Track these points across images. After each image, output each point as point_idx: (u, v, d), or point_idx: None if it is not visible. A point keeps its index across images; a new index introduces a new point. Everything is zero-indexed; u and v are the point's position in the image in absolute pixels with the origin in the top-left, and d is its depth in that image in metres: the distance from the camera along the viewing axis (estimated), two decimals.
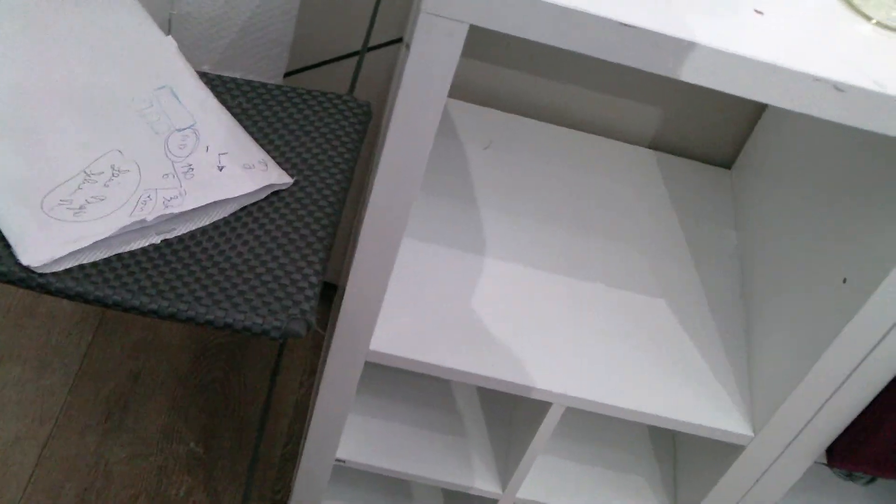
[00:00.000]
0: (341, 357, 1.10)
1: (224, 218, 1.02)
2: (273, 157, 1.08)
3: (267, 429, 1.60)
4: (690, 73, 0.82)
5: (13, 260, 0.92)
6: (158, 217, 0.98)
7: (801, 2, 0.88)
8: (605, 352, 1.17)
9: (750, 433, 1.14)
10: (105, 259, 0.95)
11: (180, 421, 1.57)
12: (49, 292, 0.93)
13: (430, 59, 0.84)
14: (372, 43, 1.36)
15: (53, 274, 0.93)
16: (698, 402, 1.15)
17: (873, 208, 1.02)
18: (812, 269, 1.10)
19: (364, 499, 1.47)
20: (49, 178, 0.98)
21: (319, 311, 0.95)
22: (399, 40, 1.35)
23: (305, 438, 1.24)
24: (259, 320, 0.95)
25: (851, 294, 1.00)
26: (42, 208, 0.95)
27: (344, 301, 1.05)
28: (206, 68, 1.29)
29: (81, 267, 0.94)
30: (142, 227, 0.97)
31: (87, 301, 0.93)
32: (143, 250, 0.97)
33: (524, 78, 1.38)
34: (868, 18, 0.87)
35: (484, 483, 1.28)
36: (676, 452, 1.36)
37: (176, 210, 0.98)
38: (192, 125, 1.06)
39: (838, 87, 0.81)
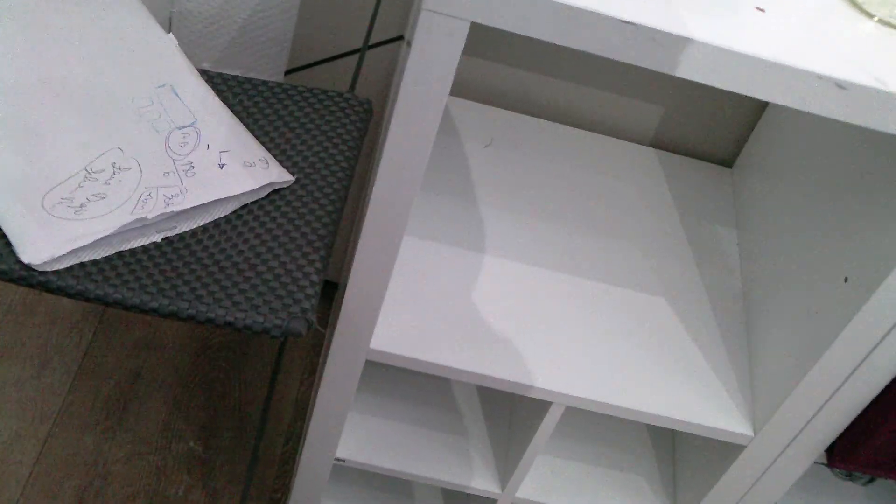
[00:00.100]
0: (342, 355, 1.10)
1: (225, 216, 1.02)
2: (274, 155, 1.08)
3: (267, 428, 1.60)
4: (692, 71, 0.82)
5: (14, 258, 0.92)
6: (159, 215, 0.97)
7: None
8: (606, 351, 1.17)
9: (750, 433, 1.14)
10: (106, 257, 0.95)
11: (180, 420, 1.57)
12: (49, 290, 0.93)
13: (431, 57, 0.83)
14: (373, 41, 1.36)
15: (54, 272, 0.93)
16: (698, 401, 1.15)
17: (875, 207, 1.01)
18: (813, 268, 1.10)
19: (363, 498, 1.47)
20: (50, 177, 0.98)
21: (320, 309, 0.95)
22: (400, 38, 1.35)
23: (305, 437, 1.24)
24: (260, 319, 0.94)
25: (853, 293, 0.99)
26: (43, 206, 0.95)
27: (345, 299, 1.04)
28: (206, 66, 1.29)
29: (82, 265, 0.94)
30: (142, 226, 0.97)
31: (87, 299, 0.93)
32: (144, 248, 0.97)
33: (525, 76, 1.38)
34: (870, 16, 0.87)
35: (483, 482, 1.27)
36: (676, 452, 1.36)
37: (177, 208, 0.98)
38: (193, 123, 1.06)
39: (840, 85, 0.81)
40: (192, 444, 1.55)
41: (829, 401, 1.06)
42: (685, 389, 1.16)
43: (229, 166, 1.03)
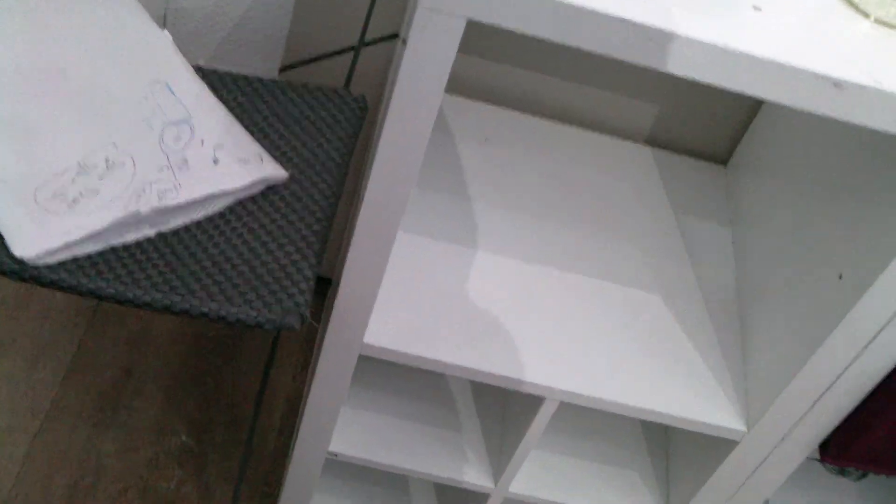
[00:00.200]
0: (335, 350, 1.10)
1: (219, 211, 1.02)
2: (268, 151, 1.08)
3: (259, 422, 1.60)
4: (688, 70, 0.82)
5: (6, 252, 0.91)
6: (153, 210, 0.97)
7: None
8: (600, 346, 1.17)
9: (743, 428, 1.14)
10: (99, 251, 0.95)
11: (172, 414, 1.57)
12: (42, 284, 0.92)
13: (427, 54, 0.83)
14: (368, 38, 1.36)
15: (47, 266, 0.92)
16: (692, 397, 1.15)
17: (869, 205, 1.02)
18: (807, 266, 1.10)
19: (355, 492, 1.47)
20: (43, 171, 0.97)
21: (312, 305, 0.95)
22: (395, 36, 1.35)
23: (298, 431, 1.24)
24: (253, 313, 0.94)
25: (847, 290, 1.00)
26: (36, 200, 0.95)
27: (338, 294, 1.04)
28: (201, 63, 1.29)
29: (75, 259, 0.94)
30: (136, 220, 0.97)
31: (80, 293, 0.92)
32: (138, 243, 0.97)
33: (520, 73, 1.38)
34: (867, 15, 0.87)
35: (476, 477, 1.27)
36: (669, 448, 1.37)
37: (170, 203, 0.98)
38: (188, 119, 1.06)
39: (837, 84, 0.81)
40: (184, 438, 1.55)
41: (822, 397, 1.06)
42: (679, 385, 1.16)
43: (223, 162, 1.03)
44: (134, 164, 1.00)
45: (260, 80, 1.15)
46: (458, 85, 1.39)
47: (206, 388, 1.61)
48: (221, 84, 1.14)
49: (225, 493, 1.51)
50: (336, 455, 1.26)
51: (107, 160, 1.00)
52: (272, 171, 1.05)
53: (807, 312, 1.07)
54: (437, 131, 1.34)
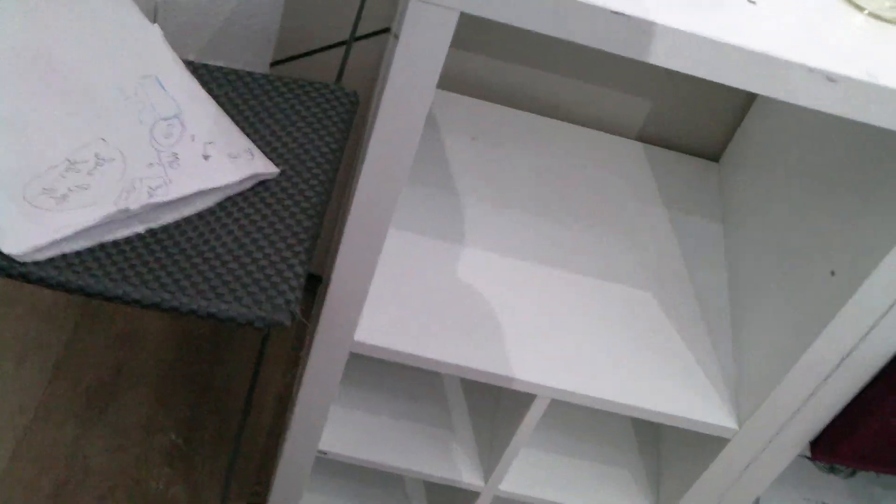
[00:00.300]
0: (325, 348, 1.09)
1: (209, 207, 1.01)
2: (259, 147, 1.07)
3: (249, 420, 1.59)
4: (682, 63, 0.82)
5: None
6: (143, 206, 0.96)
7: None
8: (590, 344, 1.17)
9: (735, 426, 1.14)
10: (88, 248, 0.94)
11: (161, 413, 1.56)
12: (31, 281, 0.92)
13: (420, 47, 0.83)
14: (359, 33, 1.35)
15: (35, 263, 0.92)
16: (683, 395, 1.15)
17: (862, 201, 1.01)
18: (800, 262, 1.10)
19: (345, 491, 1.46)
20: (31, 166, 0.96)
21: (302, 302, 0.95)
22: (387, 30, 1.34)
23: (288, 430, 1.23)
24: (243, 310, 0.94)
25: (839, 286, 0.99)
26: (24, 196, 0.94)
27: (329, 291, 1.04)
28: (191, 57, 1.28)
29: (64, 256, 0.93)
30: (126, 217, 0.96)
31: (69, 290, 0.92)
32: (127, 240, 0.96)
33: (511, 69, 1.37)
34: (860, 9, 0.87)
35: (466, 475, 1.27)
36: (660, 445, 1.36)
37: (161, 199, 0.97)
38: (178, 114, 1.05)
39: (831, 78, 0.81)
40: (173, 436, 1.54)
41: (813, 394, 1.06)
42: (670, 383, 1.16)
43: (214, 158, 1.02)
44: (124, 160, 0.99)
45: (251, 74, 1.15)
46: (448, 80, 1.39)
47: (195, 387, 1.60)
48: (212, 79, 1.13)
49: (214, 492, 1.50)
50: (326, 453, 1.25)
51: (96, 156, 0.99)
52: (263, 166, 1.04)
53: (799, 309, 1.07)
54: (427, 127, 1.34)
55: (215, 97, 1.10)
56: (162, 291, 0.93)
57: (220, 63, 1.27)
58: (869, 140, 1.05)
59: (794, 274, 1.11)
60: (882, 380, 1.04)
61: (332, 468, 1.48)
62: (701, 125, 1.41)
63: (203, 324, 1.67)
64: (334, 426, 1.27)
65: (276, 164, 1.06)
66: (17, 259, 0.91)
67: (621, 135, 1.43)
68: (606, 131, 1.43)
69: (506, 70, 1.38)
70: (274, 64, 1.39)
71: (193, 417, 1.57)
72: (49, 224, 0.92)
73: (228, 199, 1.02)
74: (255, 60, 1.33)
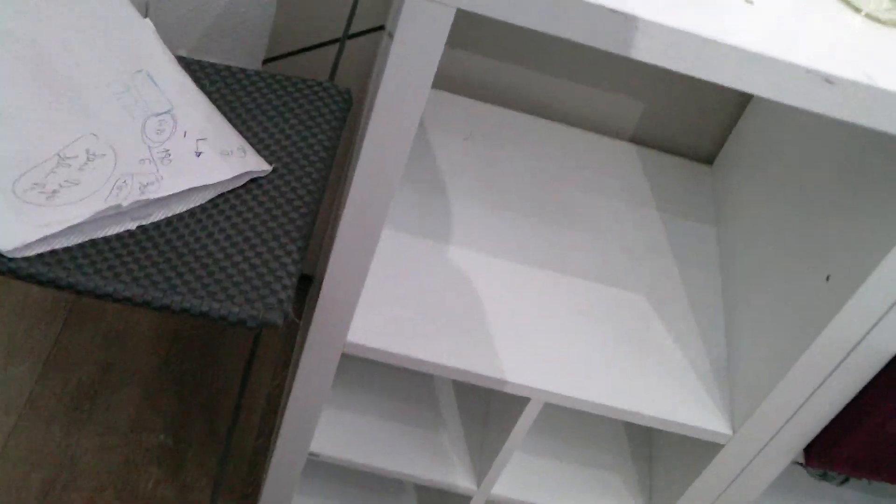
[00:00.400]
0: (318, 348, 1.08)
1: (201, 205, 1.00)
2: (251, 144, 1.06)
3: (239, 421, 1.58)
4: (679, 63, 0.81)
5: None
6: (134, 202, 0.96)
7: None
8: (584, 347, 1.16)
9: (728, 432, 1.13)
10: (78, 244, 0.93)
11: (150, 412, 1.55)
12: (20, 278, 0.91)
13: (416, 44, 0.82)
14: (353, 30, 1.34)
15: (25, 259, 0.91)
16: (678, 399, 1.15)
17: (858, 205, 1.01)
18: (794, 267, 1.10)
19: (336, 493, 1.46)
20: (21, 161, 0.95)
21: (294, 302, 0.94)
22: (380, 28, 1.34)
23: (278, 431, 1.23)
24: (235, 309, 0.93)
25: (834, 291, 0.99)
26: (13, 191, 0.93)
27: (322, 292, 1.03)
28: (182, 53, 1.27)
29: (54, 252, 0.92)
30: (117, 213, 0.95)
31: (59, 287, 0.91)
32: (118, 236, 0.95)
33: (505, 68, 1.37)
34: (858, 10, 0.86)
35: (459, 479, 1.26)
36: (652, 451, 1.36)
37: (152, 196, 0.97)
38: (170, 110, 1.04)
39: (829, 80, 0.80)
40: (162, 436, 1.53)
41: (809, 400, 1.05)
42: (664, 387, 1.15)
43: (206, 154, 1.02)
44: (115, 156, 0.98)
45: (243, 71, 1.14)
46: (441, 79, 1.38)
47: (184, 387, 1.59)
48: (204, 75, 1.12)
49: (203, 493, 1.49)
50: (317, 455, 1.24)
51: (87, 151, 0.98)
52: (255, 164, 1.03)
53: (794, 314, 1.06)
54: (419, 126, 1.33)
55: (207, 93, 1.09)
56: (153, 289, 0.92)
57: (211, 59, 1.26)
58: (864, 143, 1.05)
59: (788, 278, 1.10)
60: (877, 386, 1.03)
61: (322, 470, 1.47)
62: (694, 127, 1.41)
63: (193, 323, 1.66)
64: (326, 428, 1.26)
65: (269, 162, 1.05)
66: (6, 255, 0.90)
67: (614, 136, 1.43)
68: (600, 133, 1.42)
69: (499, 70, 1.37)
70: (266, 61, 1.38)
71: (183, 417, 1.56)
72: (39, 220, 0.92)
73: (220, 196, 1.02)
74: (247, 57, 1.32)
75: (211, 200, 1.01)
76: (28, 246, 0.91)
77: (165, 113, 1.04)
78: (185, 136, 1.02)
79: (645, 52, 0.80)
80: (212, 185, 1.00)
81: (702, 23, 0.80)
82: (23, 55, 1.03)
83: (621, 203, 1.33)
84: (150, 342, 1.63)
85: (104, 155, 0.98)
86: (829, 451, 1.11)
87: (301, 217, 1.02)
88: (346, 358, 1.31)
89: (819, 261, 1.04)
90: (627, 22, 0.78)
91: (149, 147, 1.00)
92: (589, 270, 1.24)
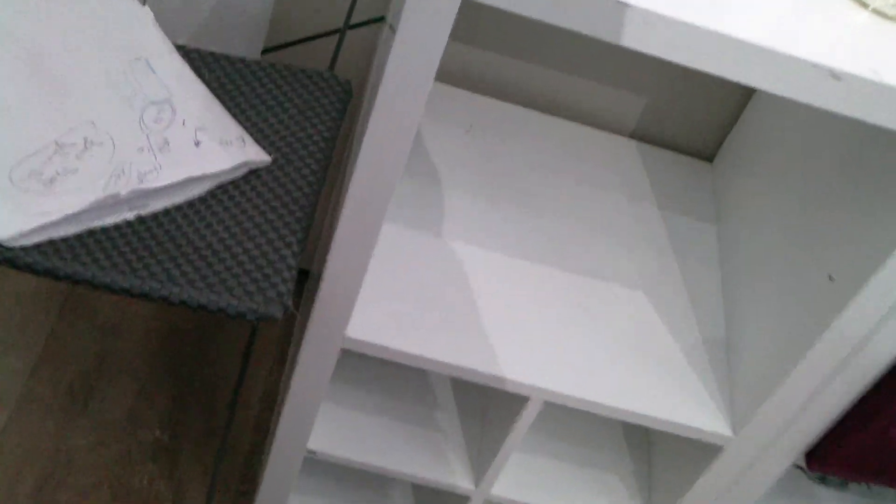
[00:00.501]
0: (317, 344, 1.07)
1: (200, 195, 0.99)
2: (251, 134, 1.05)
3: (235, 417, 1.57)
4: (684, 56, 0.80)
5: None
6: (132, 192, 0.95)
7: None
8: (584, 346, 1.15)
9: (729, 433, 1.12)
10: (76, 234, 0.92)
11: (146, 407, 1.54)
12: (16, 267, 0.90)
13: (420, 35, 0.81)
14: (352, 21, 1.34)
15: (21, 248, 0.90)
16: (679, 400, 1.14)
17: (862, 204, 1.00)
18: (796, 266, 1.09)
19: (332, 492, 1.45)
20: (18, 149, 0.94)
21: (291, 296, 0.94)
22: (381, 19, 1.33)
23: (275, 428, 1.22)
24: (234, 302, 0.92)
25: (838, 291, 0.98)
26: (10, 179, 0.92)
27: (321, 286, 1.02)
28: (181, 42, 1.26)
29: (51, 241, 0.91)
30: (115, 202, 0.94)
31: (56, 277, 0.90)
32: (116, 226, 0.94)
33: (506, 62, 1.36)
34: (865, 6, 0.86)
35: (457, 478, 1.25)
36: (651, 452, 1.35)
37: (151, 185, 0.96)
38: (168, 98, 1.03)
39: (835, 75, 0.79)
40: (157, 432, 1.52)
41: (810, 402, 1.05)
42: (664, 388, 1.14)
43: (205, 144, 1.01)
44: (113, 144, 0.97)
45: (243, 60, 1.13)
46: (442, 72, 1.38)
47: (180, 382, 1.58)
48: (203, 64, 1.11)
49: (199, 490, 1.48)
50: (315, 453, 1.23)
51: (85, 139, 0.97)
52: (255, 154, 1.02)
53: (796, 314, 1.05)
54: (421, 119, 1.32)
55: (206, 83, 1.08)
56: (151, 280, 0.91)
57: (209, 49, 1.26)
58: (867, 141, 1.04)
59: (790, 278, 1.09)
60: (880, 389, 1.03)
61: (319, 469, 1.46)
62: (695, 124, 1.40)
63: (189, 316, 1.65)
64: (323, 425, 1.25)
65: (268, 153, 1.04)
66: (3, 244, 0.89)
67: (615, 132, 1.42)
68: (600, 128, 1.41)
69: (500, 64, 1.36)
70: (265, 51, 1.37)
71: (178, 413, 1.55)
72: (36, 208, 0.91)
73: (219, 187, 1.01)
74: (246, 47, 1.31)
75: (210, 191, 1.00)
76: (25, 234, 0.90)
77: (164, 101, 1.03)
78: (183, 125, 1.01)
79: (649, 44, 0.80)
80: (211, 175, 0.99)
81: (708, 16, 0.79)
82: (20, 42, 1.02)
83: (621, 199, 1.32)
84: (144, 336, 1.62)
85: (102, 143, 0.97)
86: (830, 454, 1.11)
87: (301, 209, 1.01)
88: (344, 355, 1.30)
89: (822, 259, 1.04)
90: (632, 14, 0.78)
91: (147, 136, 0.99)
92: (588, 267, 1.23)
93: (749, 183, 1.28)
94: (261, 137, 1.06)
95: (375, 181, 0.93)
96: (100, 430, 1.50)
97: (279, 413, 1.21)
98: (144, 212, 0.96)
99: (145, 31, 1.07)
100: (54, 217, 0.91)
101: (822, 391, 1.04)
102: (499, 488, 1.27)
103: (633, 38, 0.79)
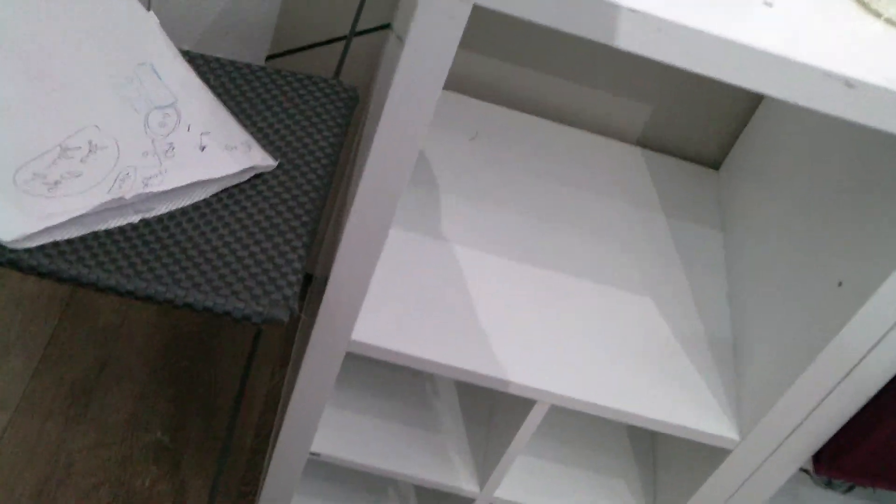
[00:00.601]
0: (322, 347, 1.07)
1: (205, 199, 0.99)
2: (256, 140, 1.05)
3: (237, 420, 1.56)
4: (696, 63, 0.80)
5: None
6: (137, 195, 0.94)
7: None
8: (591, 351, 1.15)
9: (736, 437, 1.12)
10: (80, 237, 0.92)
11: (147, 410, 1.53)
12: (20, 269, 0.89)
13: (430, 41, 0.81)
14: (357, 28, 1.33)
15: (26, 250, 0.89)
16: (685, 404, 1.13)
17: (868, 211, 1.00)
18: (804, 273, 1.09)
19: (336, 494, 1.44)
20: (22, 151, 0.94)
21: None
22: (387, 26, 1.32)
23: (279, 430, 1.21)
24: (240, 305, 0.91)
25: (847, 297, 0.98)
26: (14, 182, 0.92)
27: (327, 290, 1.01)
28: (185, 47, 1.26)
29: (55, 244, 0.91)
30: (120, 206, 0.94)
31: (60, 279, 0.89)
32: (121, 229, 0.94)
33: (512, 70, 1.36)
34: (878, 15, 0.85)
35: (461, 481, 1.25)
36: (657, 456, 1.35)
37: (155, 189, 0.95)
38: (174, 103, 1.03)
39: (849, 83, 0.79)
40: (159, 434, 1.51)
41: (818, 406, 1.04)
42: (672, 392, 1.14)
43: (210, 148, 1.00)
44: (118, 148, 0.97)
45: (248, 66, 1.12)
46: (448, 79, 1.37)
47: (182, 384, 1.58)
48: (209, 69, 1.11)
49: (200, 492, 1.47)
50: (318, 455, 1.23)
51: (89, 143, 0.96)
52: (260, 159, 1.02)
53: (804, 320, 1.05)
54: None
55: (212, 88, 1.08)
56: (156, 283, 0.90)
57: (213, 54, 1.25)
58: (875, 148, 1.04)
59: (798, 284, 1.09)
60: (889, 393, 1.02)
61: (322, 471, 1.46)
62: (702, 132, 1.40)
63: (191, 319, 1.65)
64: (327, 428, 1.25)
65: (274, 157, 1.04)
66: (7, 246, 0.88)
67: (621, 139, 1.42)
68: (606, 135, 1.41)
69: (507, 71, 1.36)
70: (271, 57, 1.36)
71: (180, 415, 1.54)
72: (40, 211, 0.90)
73: (225, 191, 1.00)
74: (251, 54, 1.31)
75: (215, 195, 0.99)
76: (29, 237, 0.89)
77: (169, 106, 1.02)
78: (188, 129, 1.01)
79: (662, 52, 0.79)
80: (216, 179, 0.99)
81: (721, 24, 0.78)
82: (25, 46, 1.01)
83: (628, 206, 1.32)
84: (146, 339, 1.61)
85: (106, 147, 0.97)
86: (838, 459, 1.10)
87: (306, 213, 1.00)
88: (348, 357, 1.29)
89: (830, 266, 1.03)
90: (646, 22, 0.77)
91: (152, 140, 0.99)
92: (594, 273, 1.23)
93: (755, 190, 1.28)
94: (266, 143, 1.05)
95: (382, 189, 0.92)
96: (101, 432, 1.49)
97: (283, 415, 1.20)
98: (149, 215, 0.95)
99: (150, 36, 1.06)
100: (58, 220, 0.90)
101: (830, 396, 1.03)
102: (503, 491, 1.26)
103: (647, 47, 0.79)
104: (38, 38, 1.02)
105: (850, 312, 0.96)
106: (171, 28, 1.25)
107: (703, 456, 1.18)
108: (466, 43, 1.33)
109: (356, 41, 1.34)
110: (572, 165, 1.34)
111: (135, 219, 0.95)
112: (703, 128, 1.40)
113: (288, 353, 1.67)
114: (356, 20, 1.31)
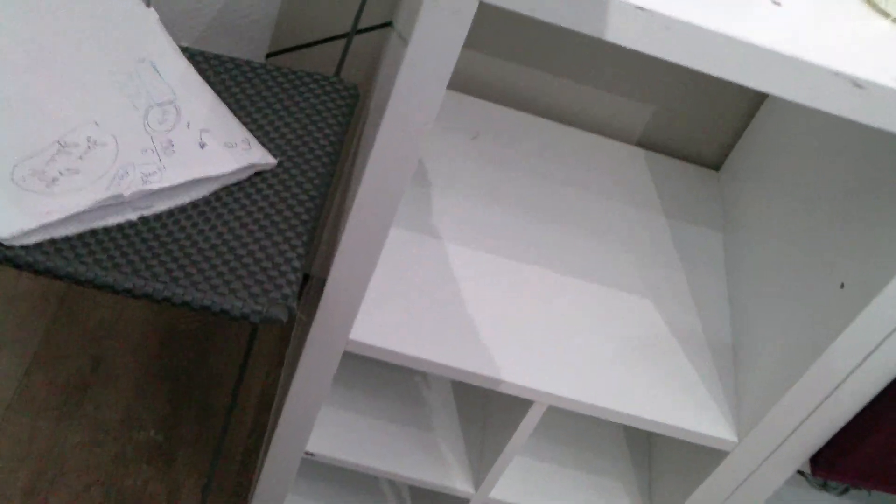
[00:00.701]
0: (319, 346, 1.06)
1: (204, 197, 0.98)
2: (256, 137, 1.04)
3: (231, 419, 1.55)
4: (704, 62, 0.79)
5: None
6: (136, 193, 0.93)
7: None
8: (590, 351, 1.14)
9: (734, 439, 1.11)
10: (78, 234, 0.91)
11: (141, 408, 1.52)
12: (17, 266, 0.88)
13: (435, 38, 0.80)
14: (360, 26, 1.32)
15: (23, 247, 0.88)
16: (684, 405, 1.13)
17: (873, 211, 1.00)
18: (805, 274, 1.08)
19: (330, 494, 1.44)
20: (20, 148, 0.93)
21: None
22: (388, 24, 1.31)
23: (273, 429, 1.20)
24: (238, 303, 0.90)
25: (850, 299, 0.97)
26: (12, 178, 0.91)
27: (325, 291, 1.01)
28: (185, 44, 1.25)
29: (53, 241, 0.90)
30: (118, 203, 0.93)
31: (57, 277, 0.88)
32: (119, 227, 0.93)
33: (514, 70, 1.35)
34: (886, 15, 0.85)
35: (457, 482, 1.24)
36: (654, 457, 1.34)
37: (154, 186, 0.94)
38: (173, 100, 1.02)
39: (857, 84, 0.78)
40: (152, 433, 1.50)
41: (818, 408, 1.04)
42: (670, 393, 1.14)
43: (210, 146, 0.99)
44: (116, 145, 0.96)
45: (249, 63, 1.11)
46: (450, 78, 1.36)
47: (176, 383, 1.57)
48: (209, 66, 1.10)
49: (193, 491, 1.46)
50: (313, 455, 1.22)
51: (88, 139, 0.95)
52: (260, 157, 1.01)
53: (805, 321, 1.05)
54: None
55: (212, 85, 1.07)
56: (154, 282, 0.89)
57: (213, 51, 1.24)
58: (877, 149, 1.03)
59: (799, 286, 1.09)
60: (889, 396, 1.02)
61: (316, 471, 1.45)
62: (703, 133, 1.40)
63: (185, 318, 1.64)
64: (322, 427, 1.24)
65: (274, 156, 1.03)
66: (4, 243, 0.87)
67: (622, 140, 1.41)
68: (607, 136, 1.41)
69: (508, 70, 1.35)
70: (272, 55, 1.36)
71: (174, 414, 1.53)
72: (38, 207, 0.89)
73: (224, 189, 0.99)
74: (250, 51, 1.30)
75: (214, 193, 0.98)
76: (27, 234, 0.88)
77: (169, 103, 1.01)
78: (188, 126, 1.00)
79: (668, 51, 0.79)
80: (215, 177, 0.98)
81: (729, 23, 0.78)
82: (24, 42, 1.00)
83: (628, 207, 1.31)
84: (141, 337, 1.60)
85: (105, 143, 0.96)
86: (836, 461, 1.10)
87: (306, 211, 1.00)
88: (343, 356, 1.29)
89: (831, 268, 1.03)
90: (653, 20, 0.77)
91: (151, 137, 0.98)
92: (595, 274, 1.22)
93: (756, 192, 1.27)
94: (266, 140, 1.04)
95: (383, 189, 0.92)
96: (94, 431, 1.48)
97: (278, 415, 1.19)
98: (148, 212, 0.95)
99: (150, 33, 1.05)
100: (56, 216, 0.89)
101: (830, 398, 1.03)
102: (498, 492, 1.26)
103: (653, 45, 0.78)
104: (38, 35, 1.01)
105: (852, 315, 0.96)
106: (171, 25, 1.24)
107: (701, 457, 1.18)
108: (468, 42, 1.33)
109: (357, 39, 1.34)
110: (573, 166, 1.34)
111: (133, 216, 0.94)
112: (704, 129, 1.40)
113: (283, 352, 1.66)
114: (357, 18, 1.30)
